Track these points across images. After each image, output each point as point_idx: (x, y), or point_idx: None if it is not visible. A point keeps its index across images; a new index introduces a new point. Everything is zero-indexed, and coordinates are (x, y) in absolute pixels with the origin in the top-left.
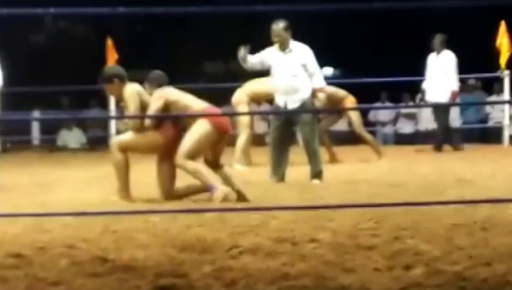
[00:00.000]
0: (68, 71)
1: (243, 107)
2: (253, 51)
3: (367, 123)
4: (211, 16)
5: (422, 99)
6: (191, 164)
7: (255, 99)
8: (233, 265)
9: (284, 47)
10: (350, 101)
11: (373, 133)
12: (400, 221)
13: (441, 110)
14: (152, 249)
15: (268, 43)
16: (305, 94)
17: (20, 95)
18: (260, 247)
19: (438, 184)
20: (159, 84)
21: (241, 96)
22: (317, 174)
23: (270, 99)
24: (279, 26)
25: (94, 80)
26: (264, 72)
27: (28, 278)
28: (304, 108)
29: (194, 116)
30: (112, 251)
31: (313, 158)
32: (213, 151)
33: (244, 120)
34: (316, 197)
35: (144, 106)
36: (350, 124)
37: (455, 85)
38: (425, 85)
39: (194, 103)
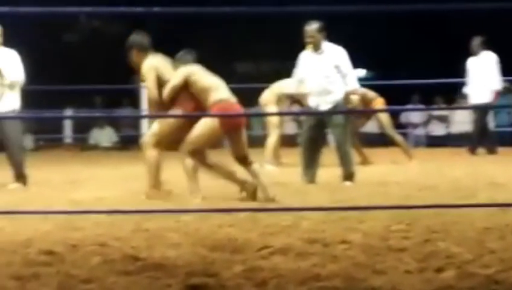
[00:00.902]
0: (101, 70)
1: (271, 108)
2: (288, 53)
3: (398, 125)
4: (245, 16)
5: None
6: (189, 162)
7: (283, 99)
8: (264, 265)
9: (316, 48)
10: (379, 102)
11: (404, 135)
12: (431, 223)
13: (480, 111)
14: (183, 248)
15: (299, 44)
16: (338, 96)
17: (53, 94)
18: (291, 247)
19: (470, 187)
20: (185, 62)
21: (269, 97)
22: (348, 176)
23: (298, 100)
24: (312, 27)
25: (127, 80)
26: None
27: (59, 276)
28: (336, 110)
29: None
30: (143, 249)
31: (344, 160)
32: (232, 146)
33: (274, 120)
34: (347, 199)
35: (161, 82)
36: (381, 126)
37: (498, 84)
38: (467, 89)
39: (213, 90)
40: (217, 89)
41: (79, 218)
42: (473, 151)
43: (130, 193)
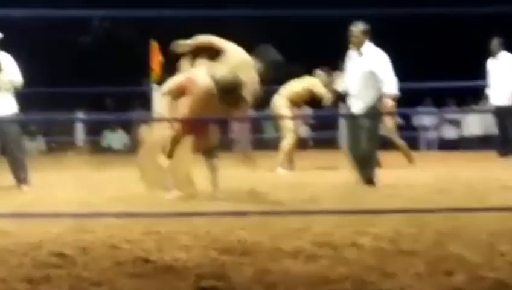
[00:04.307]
0: (113, 73)
1: (285, 111)
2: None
3: (410, 128)
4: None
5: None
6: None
7: (295, 101)
8: (274, 268)
9: (358, 49)
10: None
11: (415, 138)
12: (441, 227)
13: (503, 114)
14: (193, 251)
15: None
16: (371, 99)
17: (64, 96)
18: (301, 250)
19: (481, 190)
20: None
21: (281, 101)
22: (366, 179)
23: (309, 101)
24: (357, 27)
25: (139, 82)
26: (300, 73)
27: (70, 278)
28: (367, 112)
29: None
30: (153, 251)
31: (363, 163)
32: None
33: (288, 124)
34: (358, 202)
35: None
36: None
37: None
38: (488, 90)
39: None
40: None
41: (90, 220)
42: (503, 154)
43: (141, 195)
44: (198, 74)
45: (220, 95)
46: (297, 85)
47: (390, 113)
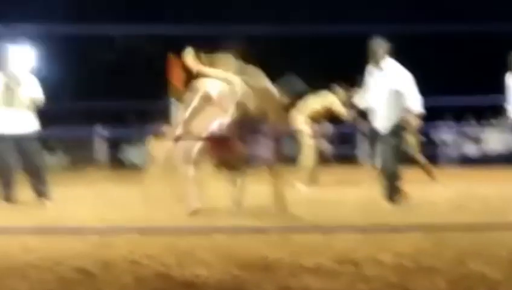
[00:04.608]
0: (136, 88)
1: (305, 127)
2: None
3: (430, 142)
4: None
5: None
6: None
7: (315, 118)
8: (295, 285)
9: (378, 65)
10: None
11: (435, 153)
12: (463, 244)
13: None
14: (214, 267)
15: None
16: (394, 115)
17: (85, 111)
18: (322, 267)
19: (502, 208)
20: None
21: (301, 118)
22: (389, 195)
23: (328, 116)
24: (376, 43)
25: (160, 97)
26: (315, 88)
27: None
28: (391, 130)
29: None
30: (174, 267)
31: (386, 179)
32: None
33: (308, 141)
34: (379, 219)
35: None
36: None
37: None
38: (507, 106)
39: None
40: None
41: (111, 236)
42: None
43: (162, 210)
44: (232, 86)
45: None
46: (316, 102)
47: (414, 131)
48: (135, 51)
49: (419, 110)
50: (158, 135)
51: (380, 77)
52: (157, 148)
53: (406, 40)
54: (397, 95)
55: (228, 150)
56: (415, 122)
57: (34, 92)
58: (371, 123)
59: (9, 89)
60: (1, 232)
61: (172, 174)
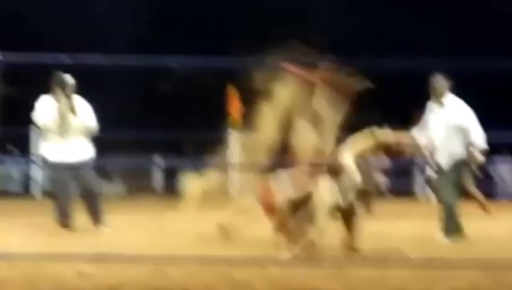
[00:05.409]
0: (194, 118)
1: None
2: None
3: (487, 178)
4: None
5: None
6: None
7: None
8: None
9: (440, 101)
10: None
11: (492, 189)
12: None
13: None
14: None
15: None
16: (458, 151)
17: (143, 141)
18: None
19: None
20: None
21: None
22: (447, 230)
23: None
24: (438, 79)
25: (218, 127)
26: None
27: None
28: (453, 165)
29: None
30: None
31: (445, 214)
32: None
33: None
34: (436, 253)
35: None
36: None
37: None
38: None
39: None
40: None
41: (167, 265)
42: None
43: (219, 240)
44: None
45: None
46: (364, 141)
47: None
48: (194, 81)
49: (483, 146)
50: (214, 166)
51: (442, 112)
52: (193, 182)
53: (465, 74)
54: (459, 131)
55: None
56: (480, 158)
57: (87, 120)
58: (430, 159)
59: (63, 118)
60: (57, 258)
61: (221, 207)
